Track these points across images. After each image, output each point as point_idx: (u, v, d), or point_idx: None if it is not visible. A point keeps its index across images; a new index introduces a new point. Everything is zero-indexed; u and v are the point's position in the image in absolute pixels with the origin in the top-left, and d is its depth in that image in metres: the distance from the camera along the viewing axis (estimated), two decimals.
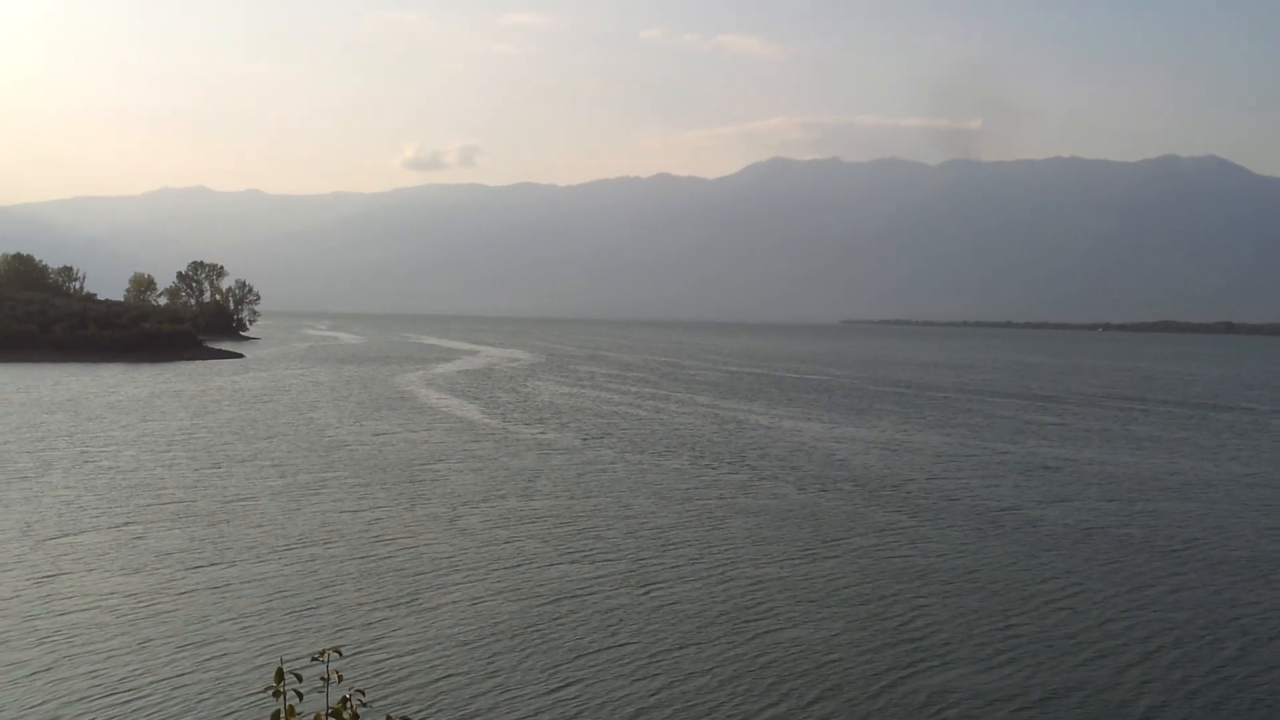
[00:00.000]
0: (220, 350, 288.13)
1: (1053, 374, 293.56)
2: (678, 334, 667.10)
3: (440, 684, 41.44)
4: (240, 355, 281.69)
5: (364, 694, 9.70)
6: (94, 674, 41.83)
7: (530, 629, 48.67)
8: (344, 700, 9.44)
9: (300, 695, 9.42)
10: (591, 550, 63.94)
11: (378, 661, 43.17)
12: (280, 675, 9.43)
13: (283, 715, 9.28)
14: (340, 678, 9.73)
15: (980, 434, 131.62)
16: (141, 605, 50.88)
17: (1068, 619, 52.08)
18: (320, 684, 9.84)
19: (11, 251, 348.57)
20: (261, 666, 42.97)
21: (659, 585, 56.54)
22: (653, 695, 40.78)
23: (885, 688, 41.85)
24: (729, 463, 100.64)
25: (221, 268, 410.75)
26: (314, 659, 9.50)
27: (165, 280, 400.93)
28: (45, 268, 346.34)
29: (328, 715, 9.52)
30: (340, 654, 8.95)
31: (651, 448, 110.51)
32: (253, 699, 39.76)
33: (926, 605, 53.84)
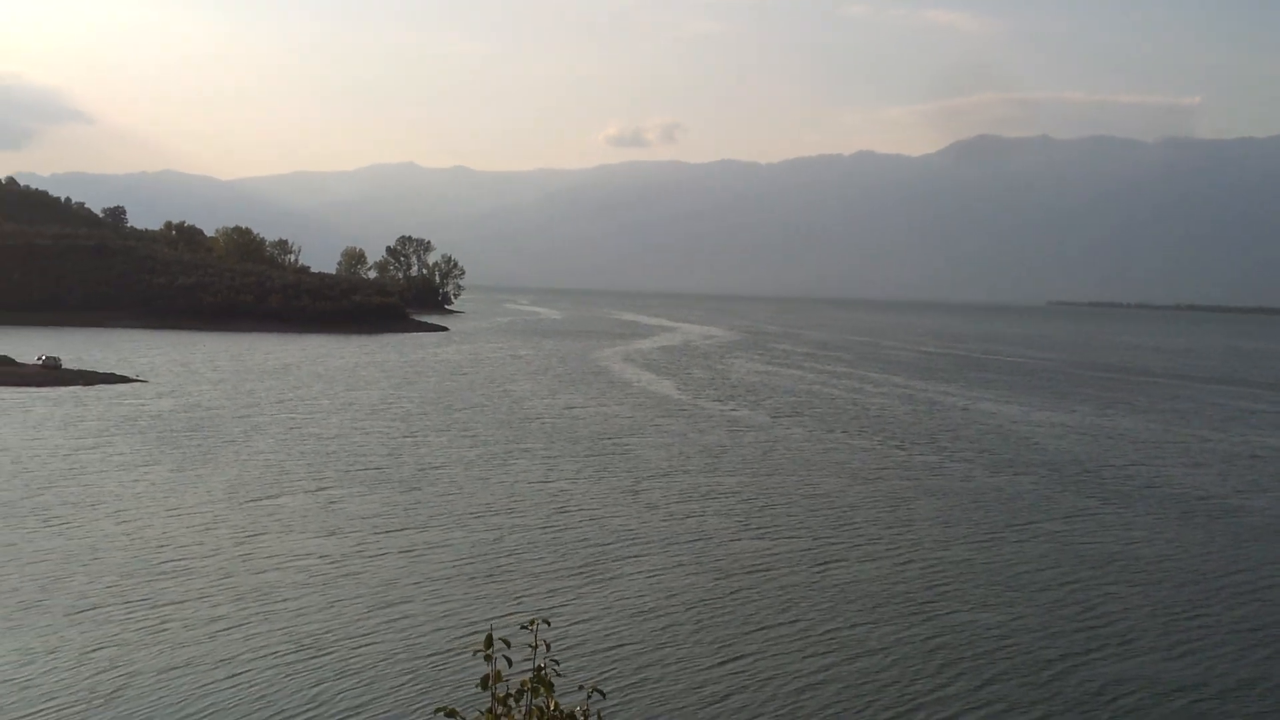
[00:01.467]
0: (426, 323, 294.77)
1: (1272, 361, 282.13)
2: (877, 313, 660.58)
3: (617, 652, 42.20)
4: (444, 328, 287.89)
5: (559, 663, 9.76)
6: (286, 630, 43.71)
7: (707, 602, 49.13)
8: (539, 669, 9.47)
9: (510, 661, 9.41)
10: (772, 527, 64.10)
11: (559, 629, 44.11)
12: (490, 641, 9.36)
13: (491, 681, 9.38)
14: (548, 646, 9.92)
15: (1187, 420, 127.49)
16: (334, 566, 52.90)
17: (1259, 612, 50.37)
18: (528, 651, 10.08)
19: (232, 225, 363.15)
20: (444, 629, 44.35)
21: (837, 564, 56.43)
22: (823, 671, 40.86)
23: (1059, 674, 41.16)
24: (920, 444, 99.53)
25: (429, 242, 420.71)
26: (523, 627, 9.59)
27: (375, 254, 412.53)
28: (263, 241, 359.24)
29: (533, 683, 9.45)
30: (549, 624, 9.15)
31: (842, 427, 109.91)
32: (434, 659, 41.09)
33: (1112, 592, 52.63)
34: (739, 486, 76.17)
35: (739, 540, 60.72)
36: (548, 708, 9.73)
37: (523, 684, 9.51)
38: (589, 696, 9.81)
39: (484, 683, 9.42)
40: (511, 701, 9.61)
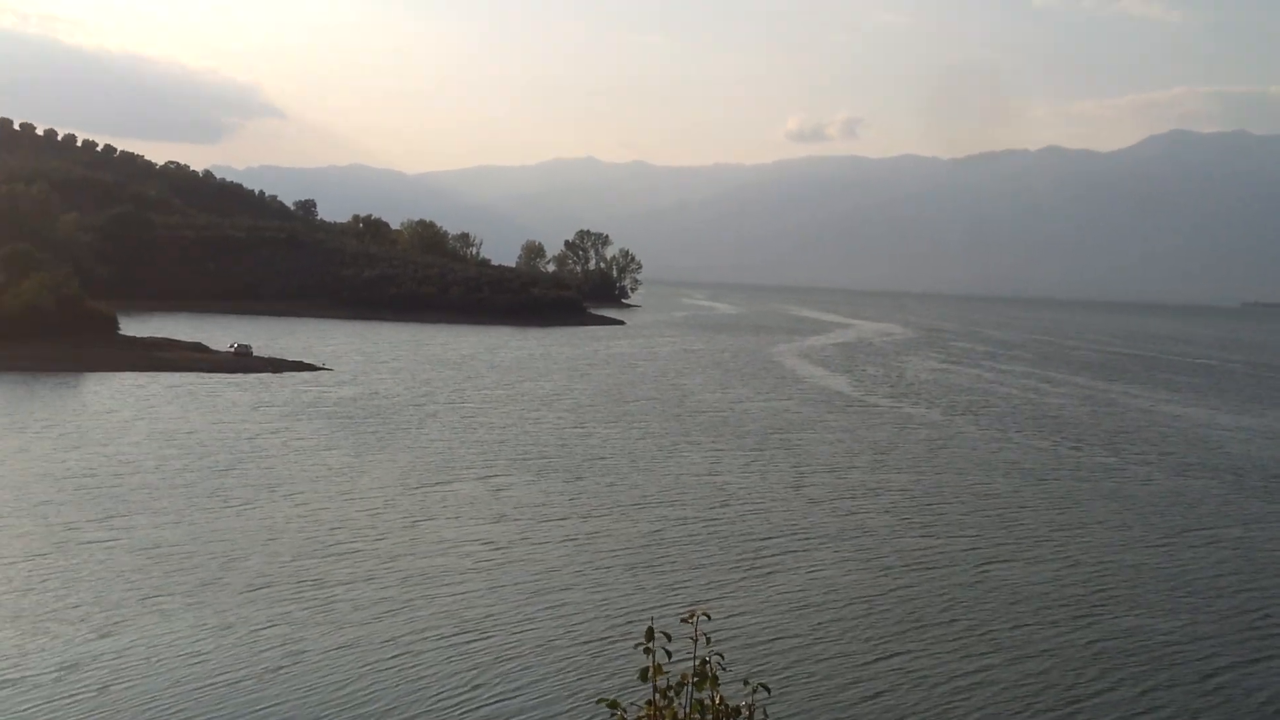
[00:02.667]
0: (602, 317, 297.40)
1: None
2: (1060, 311, 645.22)
3: (775, 645, 42.29)
4: (621, 322, 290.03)
5: (723, 657, 9.82)
6: (448, 613, 44.77)
7: (867, 598, 48.88)
8: (704, 662, 9.54)
9: (669, 654, 9.45)
10: (936, 525, 63.38)
11: (718, 622, 44.28)
12: (650, 633, 9.48)
13: (651, 673, 9.48)
14: (708, 640, 9.59)
15: None
16: (498, 552, 53.97)
17: None
18: (688, 644, 10.10)
19: (416, 218, 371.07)
20: (602, 618, 44.94)
21: (1002, 564, 55.57)
22: (982, 672, 40.34)
23: (1229, 683, 39.97)
24: (1098, 445, 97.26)
25: (607, 237, 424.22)
26: (683, 620, 9.61)
27: (554, 247, 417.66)
28: (445, 234, 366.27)
29: (693, 677, 9.52)
30: (709, 617, 9.12)
31: (1017, 426, 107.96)
32: (592, 648, 41.68)
33: None
34: (905, 483, 75.44)
35: (902, 537, 60.20)
36: (713, 701, 9.78)
37: (683, 676, 9.57)
38: (754, 691, 9.71)
39: (643, 674, 9.51)
40: (672, 694, 9.53)
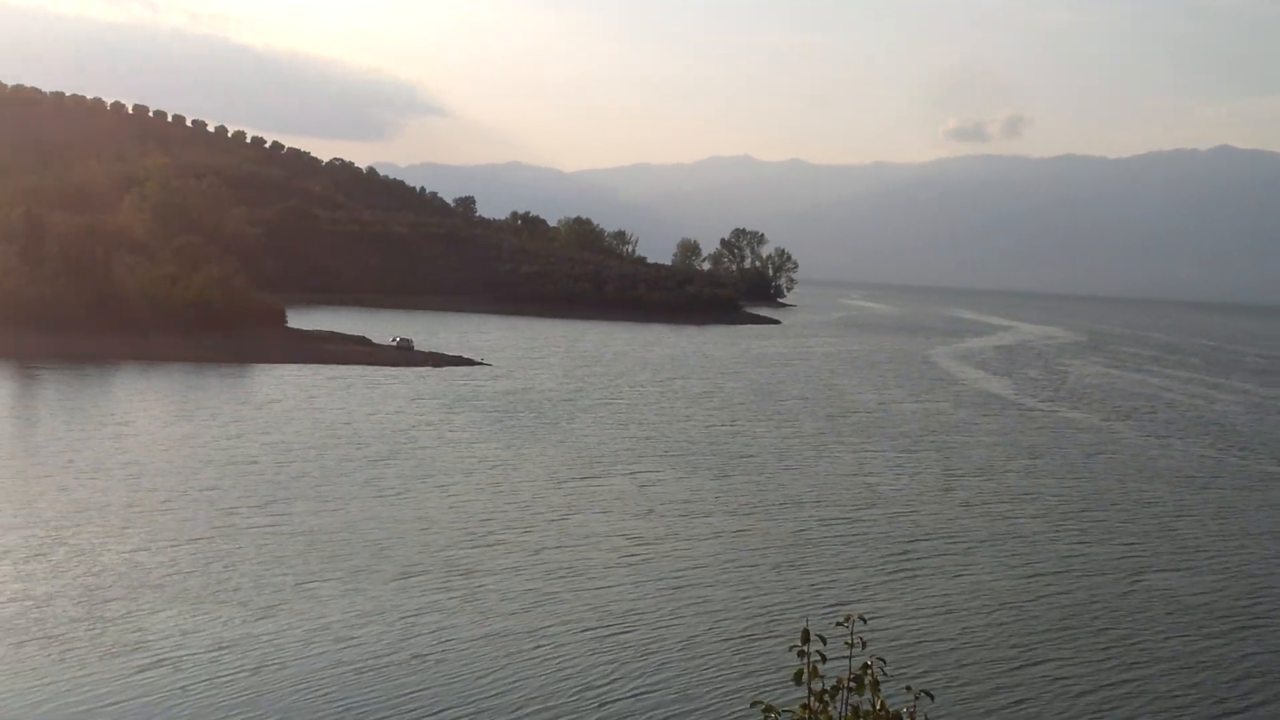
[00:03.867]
0: (757, 316, 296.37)
1: None
2: (1234, 317, 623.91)
3: (920, 649, 41.89)
4: (776, 321, 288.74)
5: (884, 661, 9.58)
6: (592, 606, 45.23)
7: (1015, 604, 48.16)
8: (865, 667, 9.31)
9: (824, 657, 9.32)
10: (1090, 531, 62.10)
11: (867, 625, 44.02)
12: (806, 636, 9.30)
13: (807, 676, 9.31)
14: (864, 644, 9.44)
15: None
16: (643, 547, 54.34)
17: None
18: (842, 647, 9.89)
19: (573, 216, 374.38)
20: (745, 616, 45.01)
21: (1155, 573, 54.26)
22: (1132, 683, 39.53)
23: None
24: (1265, 454, 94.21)
25: (762, 235, 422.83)
26: (839, 623, 9.50)
27: (710, 246, 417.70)
28: (601, 231, 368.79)
29: (849, 679, 9.33)
30: (865, 621, 8.92)
31: (1180, 433, 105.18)
32: (733, 644, 41.78)
33: None
34: (1060, 489, 74.01)
35: (1055, 543, 59.14)
36: (874, 707, 9.36)
37: (839, 681, 9.38)
38: (916, 698, 9.45)
39: (798, 677, 9.36)
40: (828, 698, 9.33)
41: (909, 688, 9.33)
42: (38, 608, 41.68)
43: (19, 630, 39.36)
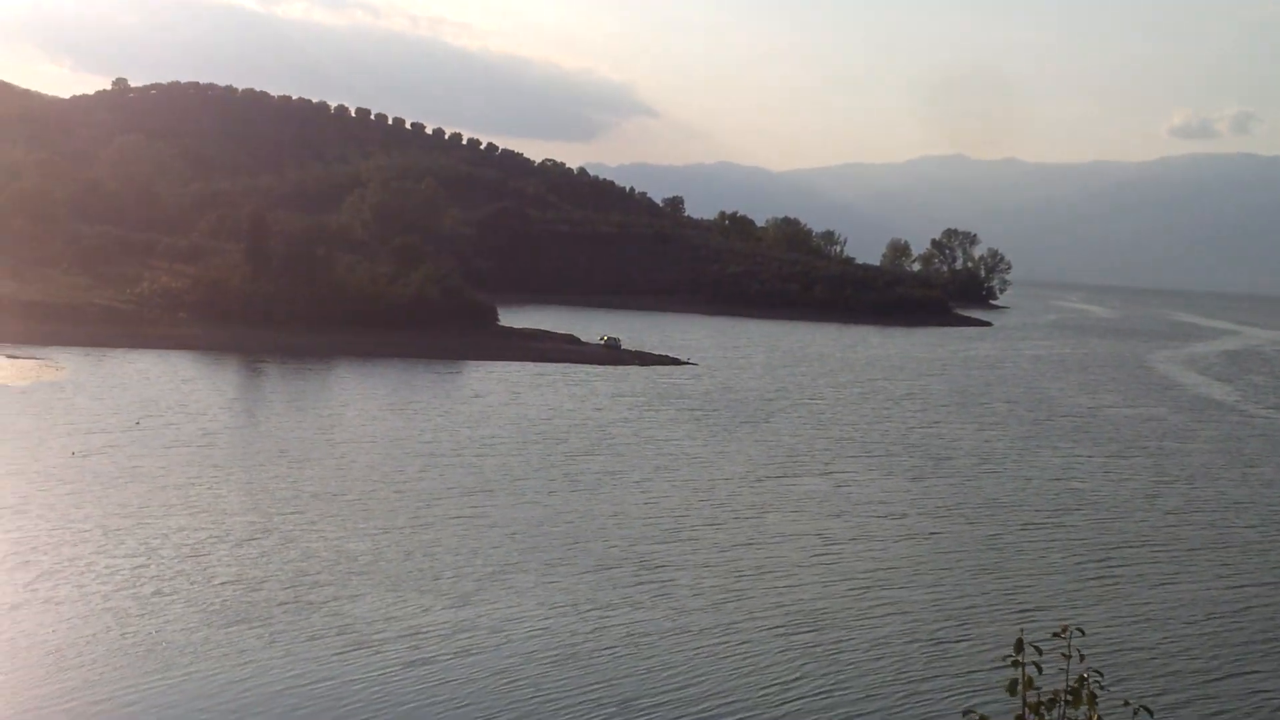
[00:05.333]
0: (968, 318, 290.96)
1: None
2: None
3: (1123, 658, 40.92)
4: (987, 323, 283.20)
5: (1102, 675, 9.41)
6: (781, 604, 45.43)
7: (1224, 615, 46.76)
8: (1082, 679, 9.24)
9: (1040, 669, 9.25)
10: None
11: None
12: (1020, 646, 9.26)
13: (1020, 686, 9.25)
14: (1082, 656, 9.39)
15: None
16: (834, 548, 54.27)
17: None
18: (1061, 660, 9.80)
19: (781, 215, 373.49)
20: (936, 620, 44.66)
21: None
22: None
23: None
24: None
25: (975, 236, 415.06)
26: (1054, 635, 9.47)
27: (920, 246, 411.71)
28: (809, 232, 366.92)
29: (1066, 692, 9.27)
30: (1083, 632, 8.83)
31: None
32: (924, 647, 41.49)
33: None
34: (1276, 497, 71.20)
35: (1267, 553, 57.30)
36: None
37: (1054, 694, 9.29)
38: (1135, 714, 9.29)
39: (1012, 688, 9.32)
40: (1043, 710, 9.27)
41: (1127, 702, 9.15)
42: (249, 591, 43.75)
43: (230, 612, 41.37)
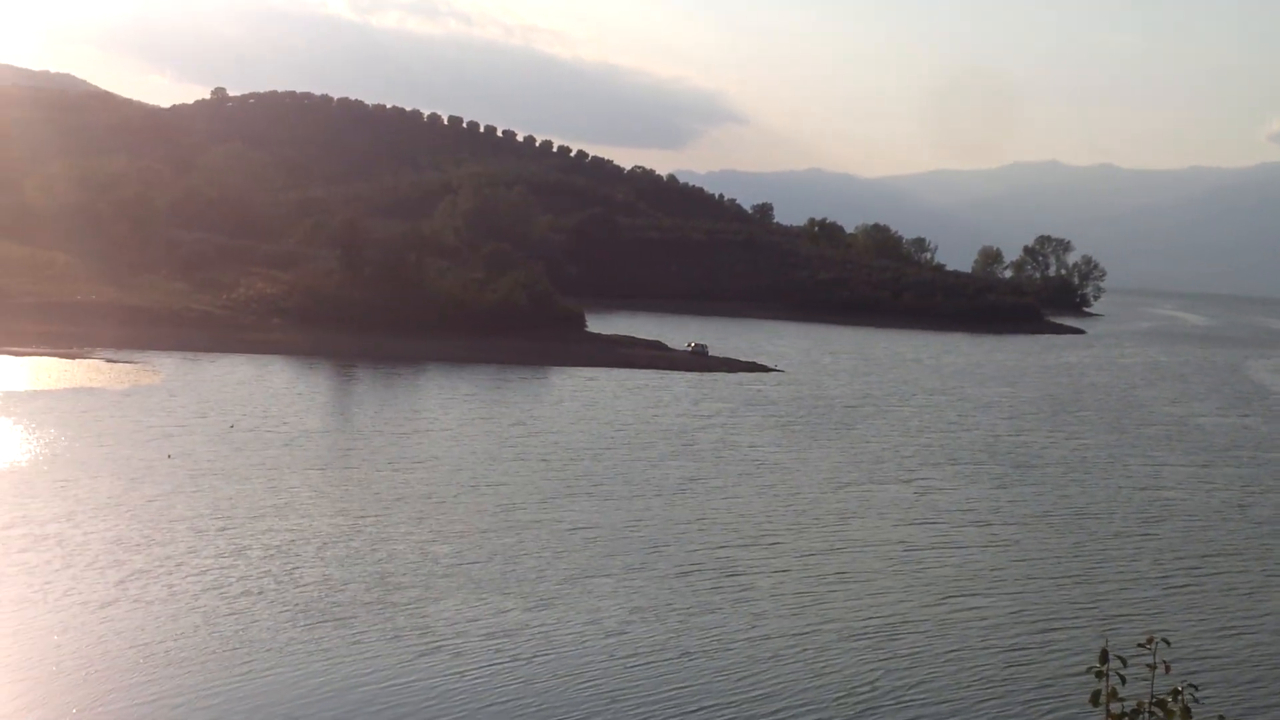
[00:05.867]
0: (1061, 325, 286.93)
1: None
2: None
3: (1211, 669, 40.42)
4: (1080, 331, 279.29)
5: (1196, 689, 9.25)
6: (859, 611, 45.48)
7: None
8: (1175, 692, 9.08)
9: (1124, 679, 9.19)
10: None
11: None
12: (1105, 656, 9.25)
13: (1104, 696, 9.19)
14: (1168, 668, 9.33)
15: None
16: (915, 554, 54.18)
17: None
18: (1145, 671, 9.49)
19: (871, 222, 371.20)
20: (1017, 629, 44.51)
21: None
22: None
23: None
24: None
25: (1068, 243, 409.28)
26: (1140, 646, 9.47)
27: (1011, 253, 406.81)
28: (899, 238, 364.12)
29: (1152, 704, 9.15)
30: (1168, 643, 8.77)
31: None
32: (1005, 659, 41.37)
33: None
34: None
35: None
36: None
37: (1139, 704, 9.28)
38: None
39: (1095, 698, 9.33)
40: None
41: (1222, 717, 8.98)
42: (333, 592, 44.61)
43: (315, 612, 42.22)
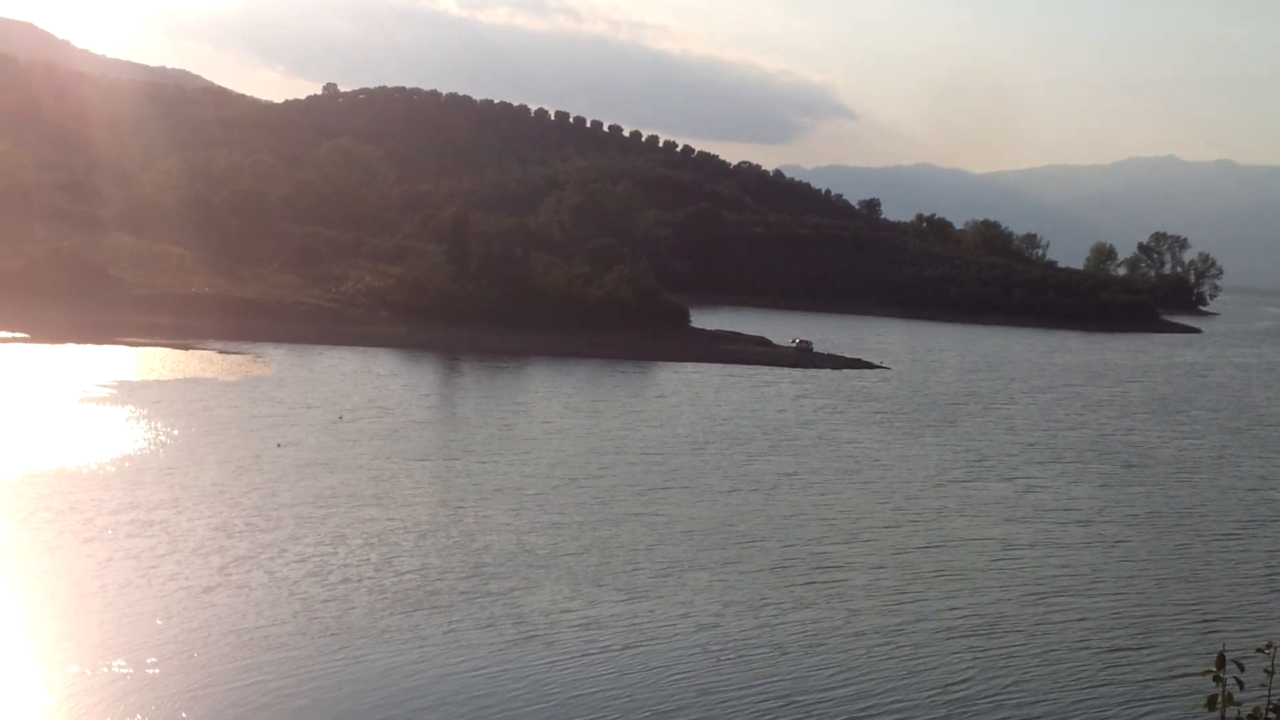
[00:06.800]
0: (1176, 324, 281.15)
1: None
2: None
3: None
4: (1196, 330, 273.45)
5: None
6: (956, 609, 45.05)
7: None
8: None
9: (1241, 684, 8.99)
10: None
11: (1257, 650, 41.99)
12: (1222, 661, 9.03)
13: (1220, 701, 9.03)
14: None
15: None
16: (1014, 552, 53.55)
17: None
18: (1263, 677, 9.39)
19: (980, 218, 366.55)
20: (1119, 629, 43.83)
21: None
22: None
23: None
24: None
25: (1185, 240, 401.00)
26: (1259, 650, 9.38)
27: (1125, 250, 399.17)
28: (1010, 234, 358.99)
29: (1268, 710, 9.08)
30: None
31: None
32: (1107, 659, 40.72)
33: None
34: None
35: None
36: None
37: (1255, 710, 9.18)
38: None
39: (1211, 703, 9.19)
40: None
41: None
42: (431, 581, 45.11)
43: (412, 601, 42.73)
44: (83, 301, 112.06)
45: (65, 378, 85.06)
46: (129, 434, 68.32)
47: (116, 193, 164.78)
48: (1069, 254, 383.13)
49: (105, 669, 35.00)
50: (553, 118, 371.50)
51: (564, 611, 42.65)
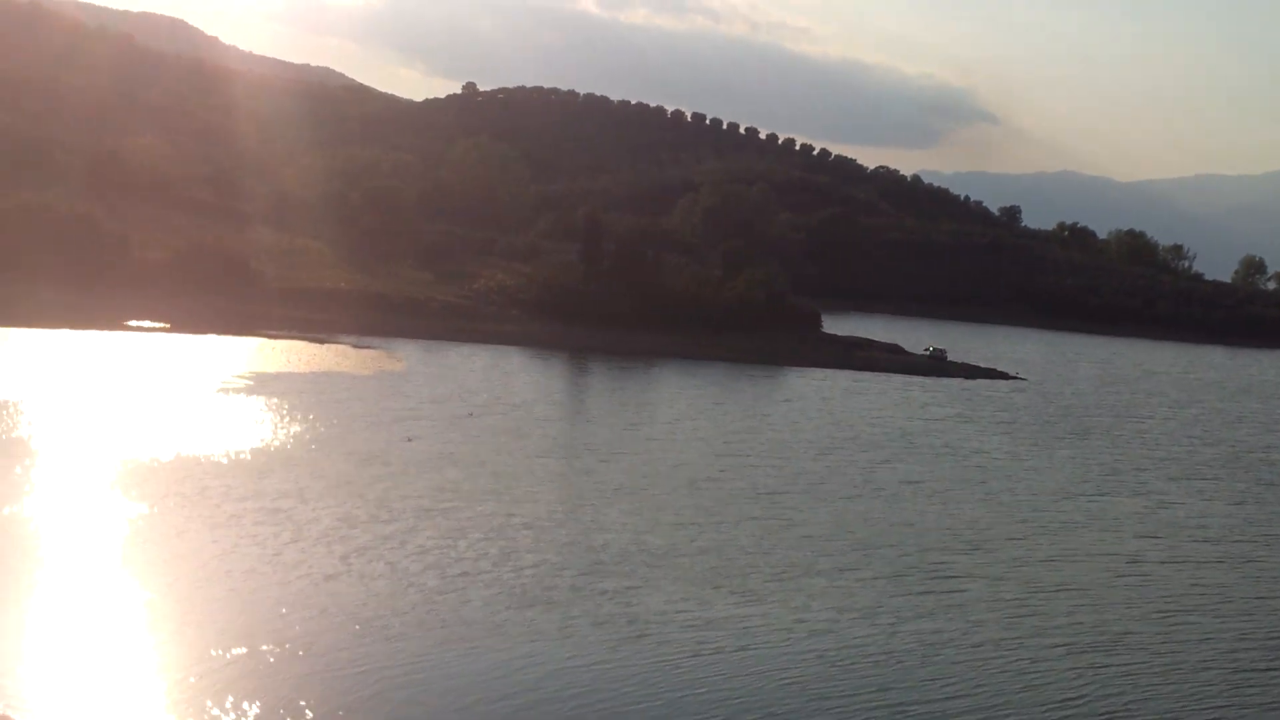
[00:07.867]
0: None
1: None
2: None
3: None
4: None
5: None
6: (1079, 624, 44.18)
7: None
8: None
9: None
10: None
11: None
12: None
13: None
14: None
15: None
16: (1140, 568, 52.48)
17: None
18: None
19: (1125, 228, 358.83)
20: (1253, 649, 42.73)
21: None
22: None
23: None
24: None
25: None
26: None
27: (1276, 264, 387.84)
28: (1155, 245, 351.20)
29: None
30: None
31: None
32: (1237, 680, 39.74)
33: None
34: None
35: None
36: None
37: None
38: None
39: None
40: None
41: None
42: (547, 576, 45.39)
43: (528, 597, 43.01)
44: (224, 293, 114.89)
45: (204, 368, 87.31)
46: (261, 424, 69.88)
47: (259, 187, 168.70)
48: (1217, 266, 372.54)
49: (225, 653, 35.72)
50: (689, 119, 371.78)
51: (678, 612, 42.60)
